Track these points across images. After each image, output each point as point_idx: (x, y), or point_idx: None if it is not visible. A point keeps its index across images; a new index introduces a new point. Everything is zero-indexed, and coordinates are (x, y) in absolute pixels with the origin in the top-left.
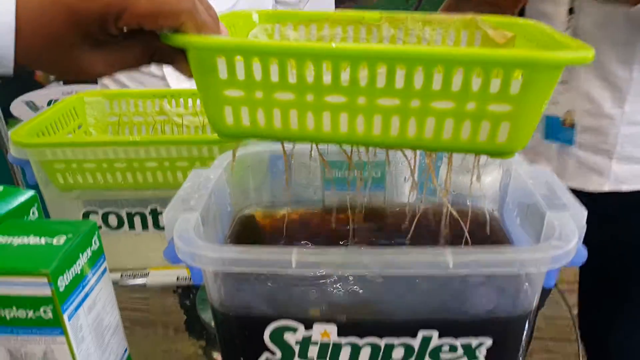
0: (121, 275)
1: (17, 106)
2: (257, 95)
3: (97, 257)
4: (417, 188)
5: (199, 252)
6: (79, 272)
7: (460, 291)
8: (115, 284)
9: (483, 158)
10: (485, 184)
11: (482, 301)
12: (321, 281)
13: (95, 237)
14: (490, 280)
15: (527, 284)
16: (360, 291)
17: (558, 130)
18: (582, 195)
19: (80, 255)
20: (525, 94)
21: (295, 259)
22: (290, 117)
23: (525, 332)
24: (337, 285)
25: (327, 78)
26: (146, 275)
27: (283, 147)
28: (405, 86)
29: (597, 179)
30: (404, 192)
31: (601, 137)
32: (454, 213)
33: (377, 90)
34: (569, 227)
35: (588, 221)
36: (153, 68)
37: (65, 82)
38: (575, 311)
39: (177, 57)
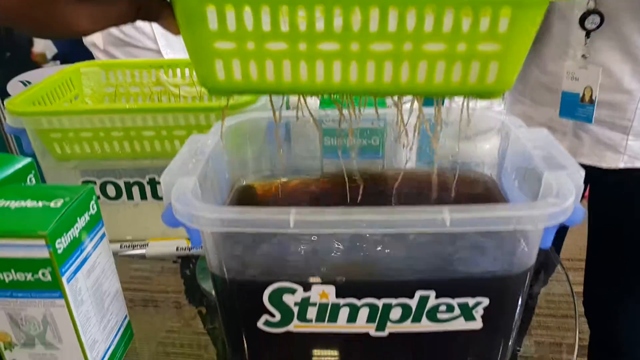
0: (120, 246)
1: (14, 86)
2: (248, 47)
3: (95, 222)
4: (411, 148)
5: (197, 213)
6: (76, 236)
7: (457, 251)
8: (114, 255)
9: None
10: (484, 150)
11: (479, 260)
12: (319, 242)
13: (93, 202)
14: (487, 239)
15: (524, 242)
16: (358, 252)
17: (575, 107)
18: (596, 173)
19: (78, 218)
20: (512, 32)
21: (294, 219)
22: (283, 68)
23: (522, 292)
24: (335, 247)
25: (319, 25)
26: (145, 246)
27: (274, 111)
28: (398, 30)
29: (612, 156)
30: (402, 159)
31: (619, 113)
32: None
33: (370, 35)
34: (567, 185)
35: (602, 198)
36: (148, 41)
37: (63, 62)
38: (576, 289)
39: (164, 13)
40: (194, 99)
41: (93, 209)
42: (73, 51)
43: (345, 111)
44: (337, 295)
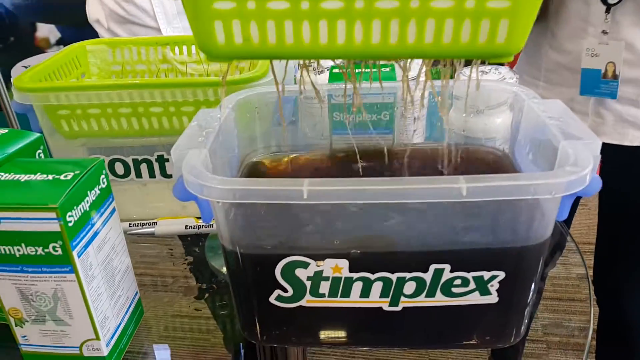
0: (129, 225)
1: (17, 71)
2: (249, 6)
3: (106, 196)
4: (418, 118)
5: (208, 184)
6: (87, 209)
7: (473, 222)
8: (122, 232)
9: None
10: (496, 124)
11: (495, 232)
12: (332, 215)
13: (103, 176)
14: (503, 210)
15: (540, 213)
16: (372, 225)
17: (597, 83)
18: (618, 151)
19: (89, 192)
20: None
21: (307, 189)
22: (285, 29)
23: (539, 265)
24: (349, 219)
25: None
26: (154, 224)
27: (276, 81)
28: None
29: (635, 133)
30: (412, 134)
31: None
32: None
33: None
34: (584, 154)
35: (615, 175)
36: (148, 19)
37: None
38: (579, 270)
39: None
40: (201, 76)
41: (103, 183)
42: (77, 36)
43: (355, 84)
44: (351, 270)
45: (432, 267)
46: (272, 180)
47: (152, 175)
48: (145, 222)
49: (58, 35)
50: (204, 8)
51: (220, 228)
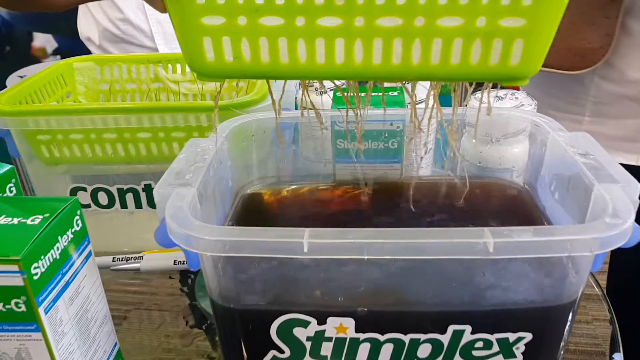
0: (113, 259)
1: (13, 81)
2: (240, 22)
3: (80, 240)
4: (425, 145)
5: (194, 234)
6: (57, 258)
7: (498, 279)
8: (106, 268)
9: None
10: (513, 155)
11: (523, 290)
12: (336, 268)
13: (77, 217)
14: (533, 266)
15: (573, 268)
16: (382, 280)
17: None
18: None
19: (59, 238)
20: (540, 4)
21: (308, 242)
22: (279, 47)
23: (569, 324)
24: (355, 273)
25: None
26: (140, 259)
27: (273, 101)
28: (408, 1)
29: None
30: (422, 165)
31: None
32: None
33: (377, 7)
34: (623, 202)
35: None
36: (145, 39)
37: (63, 57)
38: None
39: None
40: (195, 96)
41: (77, 225)
42: (74, 46)
43: (357, 110)
44: (357, 329)
45: (451, 328)
46: (267, 231)
47: (138, 205)
48: (130, 256)
49: (55, 45)
50: (192, 23)
51: (207, 279)
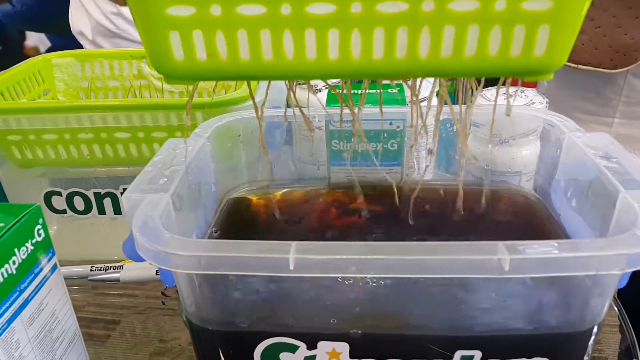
0: (91, 269)
1: None
2: (213, 12)
3: (43, 251)
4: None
5: (165, 249)
6: (14, 272)
7: (511, 300)
8: (83, 278)
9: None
10: (522, 157)
11: (539, 313)
12: (328, 286)
13: (39, 226)
14: (551, 286)
15: (599, 289)
16: (380, 299)
17: None
18: None
19: (17, 251)
20: None
21: (294, 259)
22: (262, 41)
23: (588, 349)
24: (350, 292)
25: None
26: (120, 268)
27: (255, 105)
28: None
29: None
30: (423, 168)
31: None
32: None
33: None
34: None
35: None
36: (138, 35)
37: None
38: None
39: None
40: (181, 94)
41: (39, 235)
42: (67, 45)
43: (354, 109)
44: (352, 355)
45: (459, 353)
46: (248, 245)
47: (117, 211)
48: (109, 265)
49: (48, 44)
50: (156, 15)
51: (183, 298)
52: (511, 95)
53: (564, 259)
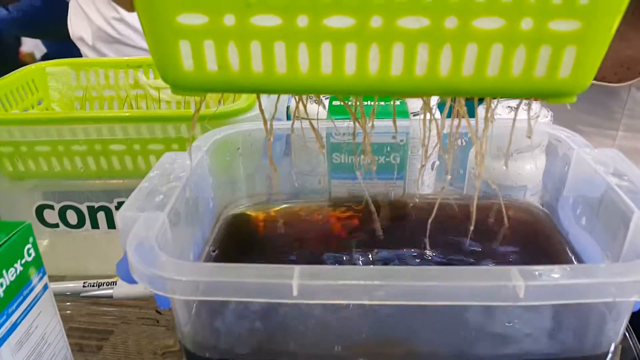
0: (84, 285)
1: None
2: (226, 22)
3: (33, 271)
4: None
5: (160, 273)
6: (1, 296)
7: (524, 327)
8: (76, 295)
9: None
10: (527, 172)
11: (553, 340)
12: (332, 312)
13: (29, 245)
14: (565, 312)
15: (615, 314)
16: (387, 326)
17: None
18: None
19: (4, 272)
20: (598, 4)
21: (298, 284)
22: (276, 53)
23: None
24: (355, 318)
25: None
26: (113, 284)
27: (264, 118)
28: None
29: None
30: (428, 183)
31: None
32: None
33: (399, 4)
34: None
35: None
36: (141, 41)
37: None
38: None
39: None
40: (178, 104)
41: (30, 254)
42: (64, 51)
43: (362, 122)
44: None
45: None
46: (248, 269)
47: (111, 225)
48: (102, 281)
49: (44, 50)
50: (165, 23)
51: (179, 323)
52: (514, 108)
53: (581, 286)
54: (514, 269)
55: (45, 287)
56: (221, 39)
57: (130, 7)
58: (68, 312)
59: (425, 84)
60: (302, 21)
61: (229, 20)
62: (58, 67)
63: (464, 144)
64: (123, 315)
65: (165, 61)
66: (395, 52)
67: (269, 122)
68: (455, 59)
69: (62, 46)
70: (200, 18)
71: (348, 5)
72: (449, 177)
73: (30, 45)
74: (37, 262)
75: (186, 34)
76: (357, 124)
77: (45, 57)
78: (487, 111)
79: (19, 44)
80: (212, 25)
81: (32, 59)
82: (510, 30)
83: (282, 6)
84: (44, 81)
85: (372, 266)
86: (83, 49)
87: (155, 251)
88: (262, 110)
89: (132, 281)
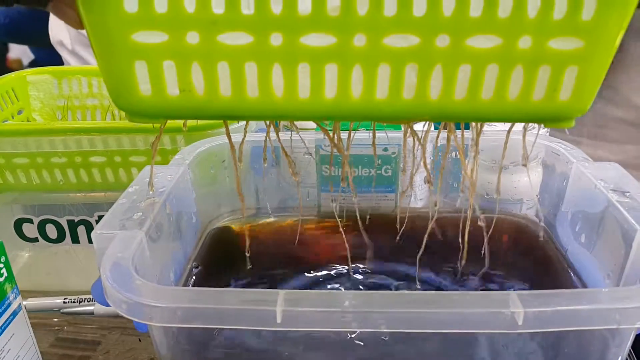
0: (64, 301)
1: None
2: (190, 40)
3: (5, 291)
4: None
5: (136, 299)
6: None
7: (522, 353)
8: (56, 311)
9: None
10: (524, 185)
11: None
12: (319, 340)
13: (0, 264)
14: (565, 337)
15: (613, 340)
16: (377, 355)
17: None
18: None
19: None
20: (602, 21)
21: (282, 311)
22: (247, 75)
23: None
24: (343, 347)
25: (304, 5)
26: (94, 300)
27: (229, 136)
28: (429, 12)
29: None
30: (420, 196)
31: None
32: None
33: (385, 21)
34: None
35: None
36: None
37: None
38: None
39: None
40: None
41: (1, 275)
42: (51, 58)
43: (344, 134)
44: None
45: None
46: (230, 294)
47: (92, 240)
48: (83, 297)
49: (31, 56)
50: (119, 41)
51: (157, 349)
52: None
53: (583, 312)
54: (513, 294)
55: (19, 308)
56: (183, 60)
57: (78, 24)
58: (54, 323)
59: (413, 108)
60: (276, 39)
61: (193, 38)
62: (39, 75)
63: (457, 156)
64: (110, 326)
65: (119, 85)
66: (381, 73)
67: (237, 149)
68: (446, 81)
69: (49, 53)
70: (159, 36)
71: (328, 21)
72: (437, 196)
73: (18, 51)
74: (10, 282)
75: (143, 54)
76: (341, 152)
77: (33, 64)
78: (477, 137)
79: (6, 50)
80: (173, 44)
81: (19, 66)
82: (507, 49)
83: (253, 23)
84: (24, 90)
85: (360, 291)
86: (63, 53)
87: (131, 274)
88: (229, 136)
89: (107, 304)
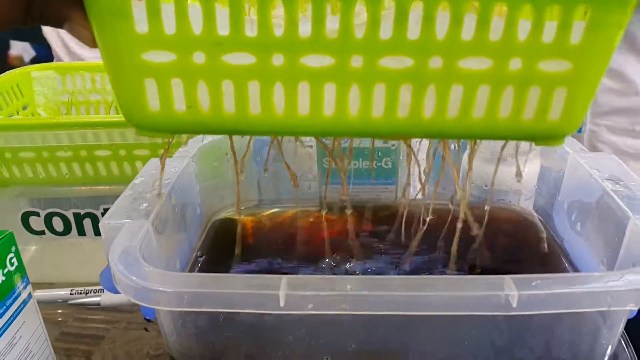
0: (71, 292)
1: None
2: (196, 60)
3: (15, 282)
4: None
5: (144, 284)
6: None
7: (517, 336)
8: (63, 302)
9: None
10: (522, 176)
11: (547, 349)
12: (321, 322)
13: (12, 255)
14: (557, 321)
15: (605, 323)
16: (378, 336)
17: None
18: None
19: None
20: (590, 44)
21: (285, 295)
22: (250, 93)
23: None
24: (344, 328)
25: (304, 28)
26: (101, 292)
27: (232, 146)
28: (422, 36)
29: (635, 165)
30: (419, 187)
31: None
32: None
33: (380, 44)
34: None
35: None
36: None
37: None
38: None
39: (72, 13)
40: None
41: (12, 264)
42: (52, 54)
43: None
44: None
45: None
46: (235, 279)
47: (98, 232)
48: (90, 288)
49: (33, 53)
50: (130, 60)
51: (165, 334)
52: None
53: (575, 295)
54: (507, 278)
55: (29, 297)
56: (190, 78)
57: (92, 43)
58: (59, 317)
59: (408, 126)
60: (278, 60)
61: (199, 58)
62: (43, 71)
63: (456, 147)
64: (114, 320)
65: (130, 101)
66: (377, 93)
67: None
68: (439, 100)
69: (50, 50)
70: (167, 56)
71: (327, 43)
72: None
73: (19, 48)
74: (20, 272)
75: (152, 72)
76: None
77: (34, 61)
78: (471, 154)
79: (7, 47)
80: (181, 63)
81: (20, 62)
82: (498, 70)
83: (256, 44)
84: (29, 86)
85: (360, 276)
86: (57, 49)
87: (139, 261)
88: (234, 152)
89: (116, 291)
